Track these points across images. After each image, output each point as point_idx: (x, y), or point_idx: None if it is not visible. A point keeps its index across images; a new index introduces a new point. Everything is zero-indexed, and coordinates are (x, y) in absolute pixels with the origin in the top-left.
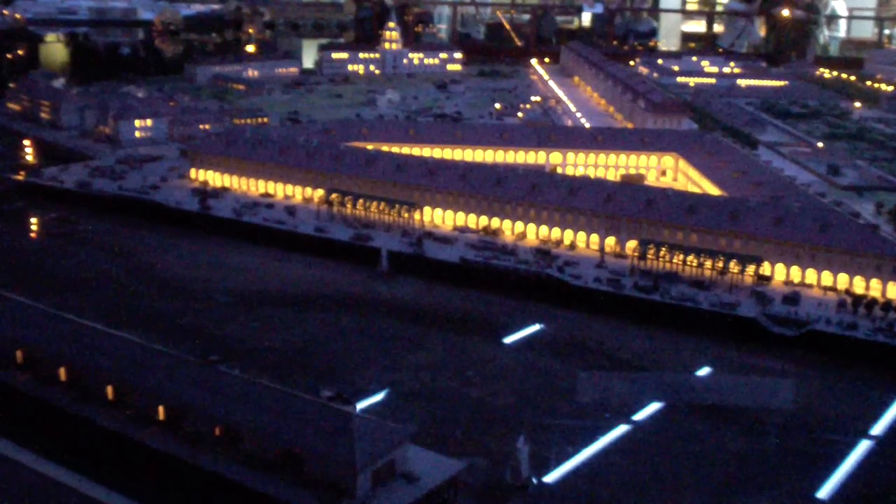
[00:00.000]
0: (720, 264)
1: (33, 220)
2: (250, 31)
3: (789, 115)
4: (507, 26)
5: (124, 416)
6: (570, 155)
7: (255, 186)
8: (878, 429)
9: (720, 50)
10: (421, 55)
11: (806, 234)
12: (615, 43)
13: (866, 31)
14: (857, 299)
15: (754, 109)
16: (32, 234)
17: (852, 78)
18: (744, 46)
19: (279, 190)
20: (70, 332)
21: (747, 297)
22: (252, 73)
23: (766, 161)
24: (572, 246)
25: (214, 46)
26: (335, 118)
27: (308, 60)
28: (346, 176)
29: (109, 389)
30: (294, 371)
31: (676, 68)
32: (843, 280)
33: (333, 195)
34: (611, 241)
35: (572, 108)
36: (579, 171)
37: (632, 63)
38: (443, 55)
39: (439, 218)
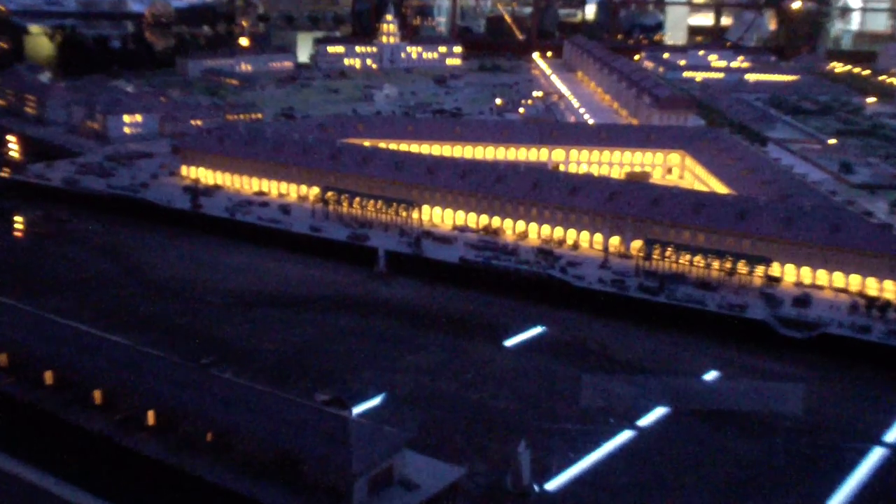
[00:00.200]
0: (728, 265)
1: (18, 218)
2: (244, 23)
3: (800, 111)
4: (509, 19)
5: (113, 421)
6: (573, 152)
7: (249, 184)
8: (891, 436)
9: (728, 44)
10: (419, 49)
11: (817, 234)
12: (619, 37)
13: (880, 23)
14: (871, 301)
15: (763, 105)
16: (17, 234)
17: (865, 72)
18: (753, 40)
19: (273, 188)
20: (56, 334)
21: (756, 299)
22: (245, 67)
23: (775, 158)
24: (575, 246)
25: (206, 40)
26: (331, 114)
27: (303, 54)
28: (343, 174)
29: (97, 393)
30: (289, 374)
31: (683, 62)
32: (855, 281)
33: (329, 193)
34: (615, 240)
35: (575, 103)
36: (582, 169)
37: (637, 57)
38: (442, 49)
39: (438, 217)
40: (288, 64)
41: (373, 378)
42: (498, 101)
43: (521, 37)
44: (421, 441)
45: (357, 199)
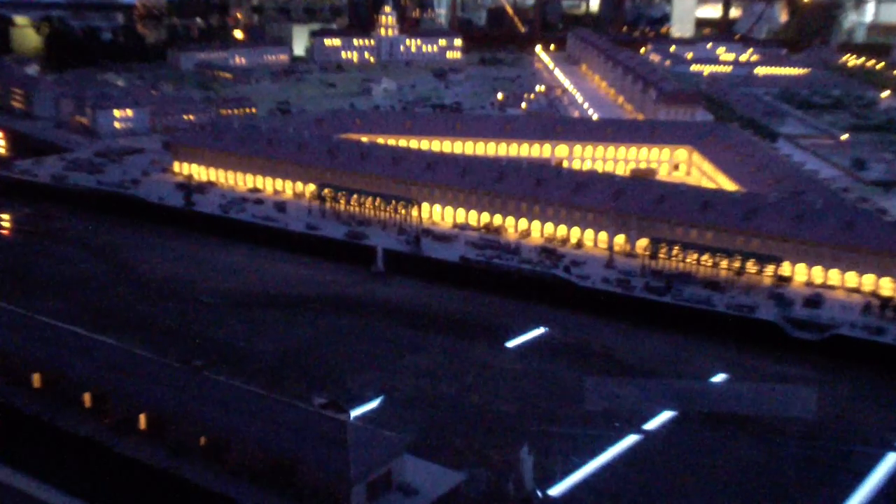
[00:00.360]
0: (737, 264)
1: (4, 216)
2: (238, 15)
3: (811, 106)
4: (510, 11)
5: (103, 425)
6: (577, 148)
7: (243, 181)
8: None
9: (737, 36)
10: (419, 42)
11: (829, 233)
12: (625, 29)
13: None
14: (885, 302)
15: (773, 99)
16: (4, 232)
17: (879, 65)
18: (762, 32)
19: (268, 185)
20: (44, 335)
21: (766, 300)
22: (239, 60)
23: (785, 154)
24: (579, 245)
25: (199, 32)
26: (327, 109)
27: (299, 47)
28: (340, 170)
29: (87, 396)
30: (284, 377)
31: (690, 56)
32: (868, 281)
33: (326, 190)
34: (620, 239)
35: (579, 98)
36: (586, 166)
37: (642, 50)
38: (442, 42)
39: (438, 215)
40: (283, 57)
41: (371, 380)
42: (499, 95)
43: (523, 29)
44: (420, 445)
45: (354, 196)
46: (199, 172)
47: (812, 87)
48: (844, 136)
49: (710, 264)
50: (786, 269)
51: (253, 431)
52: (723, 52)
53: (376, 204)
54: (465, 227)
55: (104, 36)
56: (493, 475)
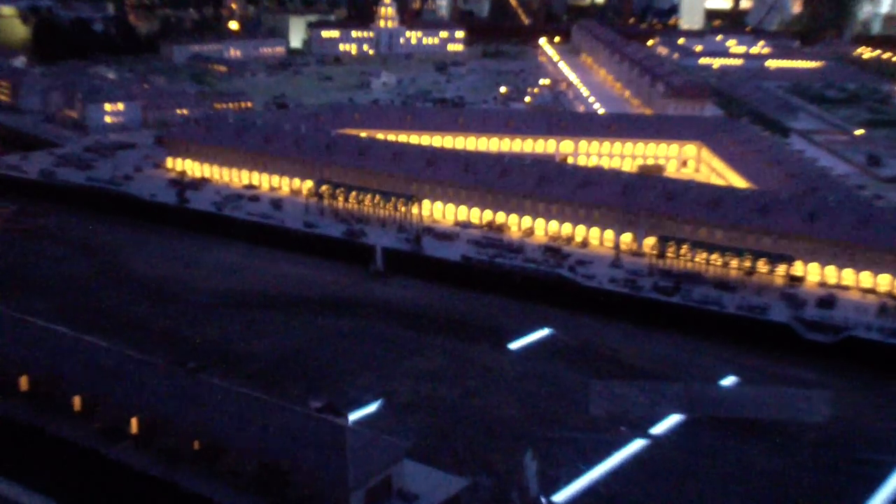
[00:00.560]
0: (747, 264)
1: None
2: (232, 6)
3: (825, 100)
4: (514, 2)
5: (93, 429)
6: (583, 144)
7: (238, 177)
8: None
9: (748, 28)
10: (419, 34)
11: (843, 231)
12: (632, 21)
13: None
14: None
15: (785, 93)
16: None
17: None
18: (774, 24)
19: (264, 181)
20: (32, 336)
21: (777, 300)
22: (234, 52)
23: (798, 150)
24: (584, 243)
25: (193, 23)
26: (325, 103)
27: (295, 39)
28: (338, 166)
29: (76, 400)
30: (281, 379)
31: (699, 48)
32: (884, 281)
33: (323, 187)
34: (627, 237)
35: (584, 92)
36: (592, 162)
37: (650, 43)
38: (443, 34)
39: (439, 212)
40: (279, 49)
41: (370, 383)
42: (502, 89)
43: (527, 21)
44: (421, 450)
45: (353, 193)
46: (192, 168)
47: (826, 81)
48: (859, 132)
49: (719, 264)
50: (798, 268)
51: (248, 436)
52: (733, 45)
53: (375, 201)
54: (466, 225)
55: (94, 27)
56: (496, 481)
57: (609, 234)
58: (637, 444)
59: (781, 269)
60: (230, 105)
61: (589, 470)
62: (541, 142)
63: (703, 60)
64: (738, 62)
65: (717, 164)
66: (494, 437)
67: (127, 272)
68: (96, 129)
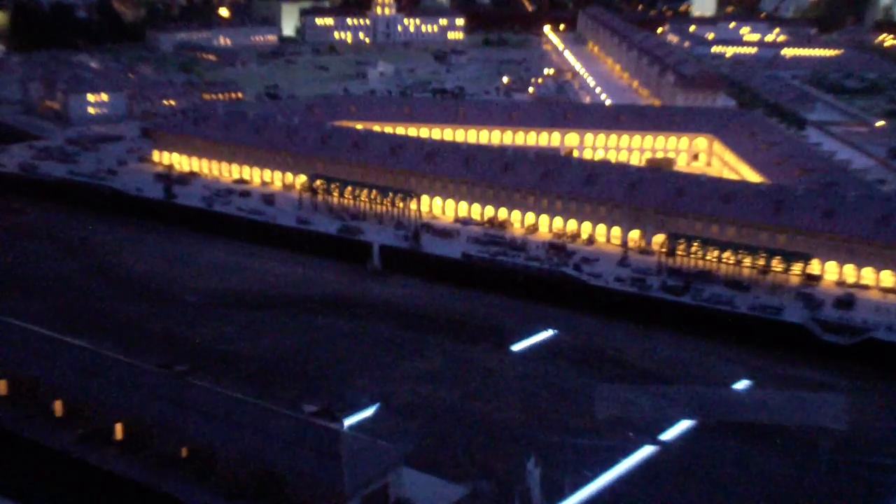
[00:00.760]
0: (761, 262)
1: None
2: None
3: (843, 90)
4: None
5: (76, 435)
6: (589, 136)
7: (228, 171)
8: None
9: (762, 15)
10: (417, 21)
11: (862, 227)
12: (640, 7)
13: None
14: None
15: (802, 83)
16: None
17: None
18: (790, 10)
19: (255, 176)
20: (12, 337)
21: (793, 300)
22: (224, 40)
23: (815, 143)
24: (590, 240)
25: (181, 10)
26: (319, 94)
27: (288, 27)
28: (333, 160)
29: (58, 404)
30: (274, 382)
31: (711, 36)
32: None
33: (318, 182)
34: (635, 234)
35: (591, 82)
36: (599, 155)
37: (660, 30)
38: (443, 21)
39: (439, 208)
40: (271, 37)
41: (366, 387)
42: (505, 79)
43: (530, 7)
44: (419, 456)
45: (349, 188)
46: (180, 162)
47: (844, 70)
48: (880, 123)
49: (732, 262)
50: (815, 267)
51: (239, 442)
52: (747, 33)
53: (372, 196)
54: (467, 221)
55: (77, 13)
56: (498, 489)
57: (616, 230)
58: (645, 451)
59: (797, 268)
60: (220, 96)
61: (595, 477)
62: (545, 135)
63: (716, 49)
64: (752, 50)
65: (730, 157)
66: (496, 442)
67: (112, 270)
68: (79, 120)
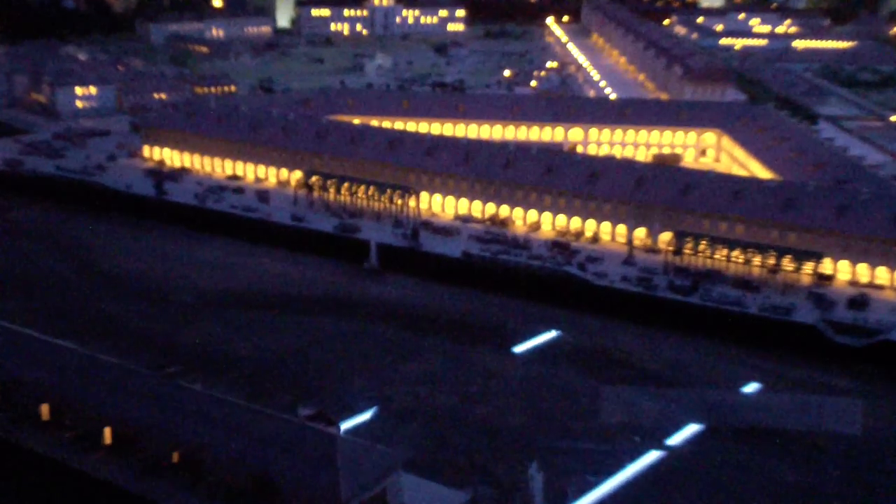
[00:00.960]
0: (771, 261)
1: None
2: None
3: (857, 83)
4: None
5: (62, 439)
6: (593, 131)
7: (221, 168)
8: None
9: (773, 5)
10: (417, 12)
11: (876, 226)
12: None
13: None
14: None
15: (814, 76)
16: None
17: None
18: (802, 0)
19: (249, 172)
20: None
21: (804, 301)
22: (217, 32)
23: (827, 138)
24: (595, 239)
25: (172, 1)
26: (315, 87)
27: (283, 18)
28: (329, 155)
29: (44, 408)
30: (268, 385)
31: (720, 28)
32: None
33: (314, 178)
34: (641, 233)
35: (595, 75)
36: (603, 151)
37: (666, 22)
38: (442, 13)
39: (438, 205)
40: (266, 29)
41: (364, 389)
42: (506, 72)
43: None
44: (418, 461)
45: (345, 184)
46: (171, 158)
47: (858, 63)
48: (895, 118)
49: (741, 261)
50: (827, 266)
51: (232, 447)
52: (757, 24)
53: (370, 193)
54: (468, 219)
55: (64, 3)
56: (500, 495)
57: (621, 228)
58: (652, 456)
59: (808, 267)
60: (212, 89)
61: (599, 483)
62: (548, 129)
63: (725, 41)
64: (763, 42)
65: (739, 153)
66: (497, 446)
67: (100, 269)
68: (66, 114)
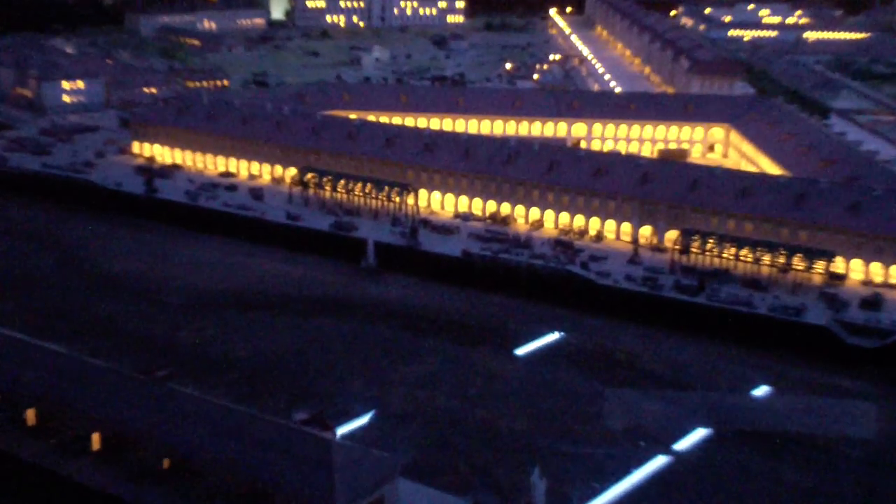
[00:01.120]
0: (781, 260)
1: None
2: None
3: (870, 76)
4: None
5: (50, 445)
6: (597, 126)
7: (213, 164)
8: None
9: None
10: (415, 4)
11: (890, 223)
12: None
13: None
14: None
15: (825, 69)
16: None
17: None
18: None
19: (242, 168)
20: None
21: (815, 301)
22: (209, 24)
23: (839, 133)
24: (599, 237)
25: None
26: (310, 81)
27: (277, 10)
28: (325, 152)
29: (31, 413)
30: (263, 388)
31: (728, 19)
32: None
33: (309, 175)
34: (646, 231)
35: (599, 68)
36: (608, 147)
37: (673, 13)
38: (442, 4)
39: (437, 203)
40: (259, 21)
41: (361, 392)
42: (508, 65)
43: None
44: (417, 467)
45: (342, 181)
46: (161, 154)
47: (871, 54)
48: None
49: (750, 260)
50: (839, 265)
51: (225, 452)
52: (766, 15)
53: (367, 191)
54: (468, 217)
55: None
56: (501, 501)
57: (626, 226)
58: (658, 461)
59: (820, 266)
60: (204, 83)
61: (604, 489)
62: (550, 124)
63: (733, 32)
64: (772, 34)
65: (748, 148)
66: (499, 451)
67: (90, 269)
68: (53, 109)
